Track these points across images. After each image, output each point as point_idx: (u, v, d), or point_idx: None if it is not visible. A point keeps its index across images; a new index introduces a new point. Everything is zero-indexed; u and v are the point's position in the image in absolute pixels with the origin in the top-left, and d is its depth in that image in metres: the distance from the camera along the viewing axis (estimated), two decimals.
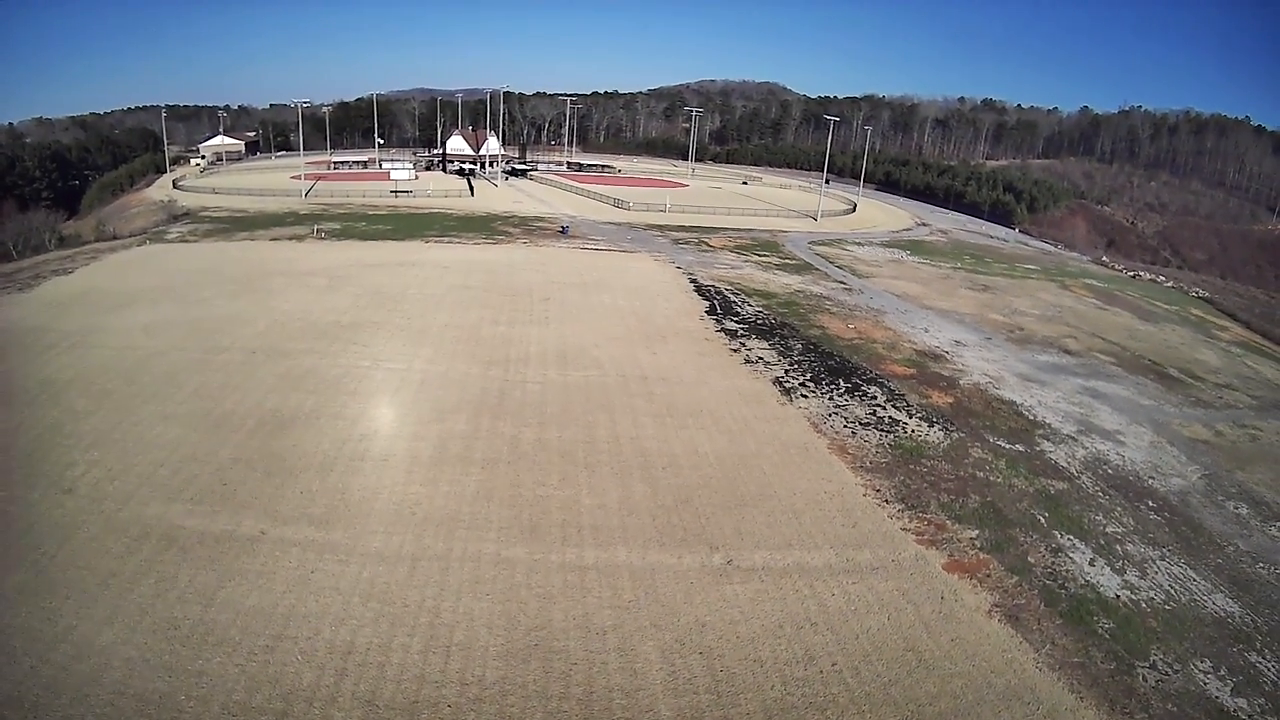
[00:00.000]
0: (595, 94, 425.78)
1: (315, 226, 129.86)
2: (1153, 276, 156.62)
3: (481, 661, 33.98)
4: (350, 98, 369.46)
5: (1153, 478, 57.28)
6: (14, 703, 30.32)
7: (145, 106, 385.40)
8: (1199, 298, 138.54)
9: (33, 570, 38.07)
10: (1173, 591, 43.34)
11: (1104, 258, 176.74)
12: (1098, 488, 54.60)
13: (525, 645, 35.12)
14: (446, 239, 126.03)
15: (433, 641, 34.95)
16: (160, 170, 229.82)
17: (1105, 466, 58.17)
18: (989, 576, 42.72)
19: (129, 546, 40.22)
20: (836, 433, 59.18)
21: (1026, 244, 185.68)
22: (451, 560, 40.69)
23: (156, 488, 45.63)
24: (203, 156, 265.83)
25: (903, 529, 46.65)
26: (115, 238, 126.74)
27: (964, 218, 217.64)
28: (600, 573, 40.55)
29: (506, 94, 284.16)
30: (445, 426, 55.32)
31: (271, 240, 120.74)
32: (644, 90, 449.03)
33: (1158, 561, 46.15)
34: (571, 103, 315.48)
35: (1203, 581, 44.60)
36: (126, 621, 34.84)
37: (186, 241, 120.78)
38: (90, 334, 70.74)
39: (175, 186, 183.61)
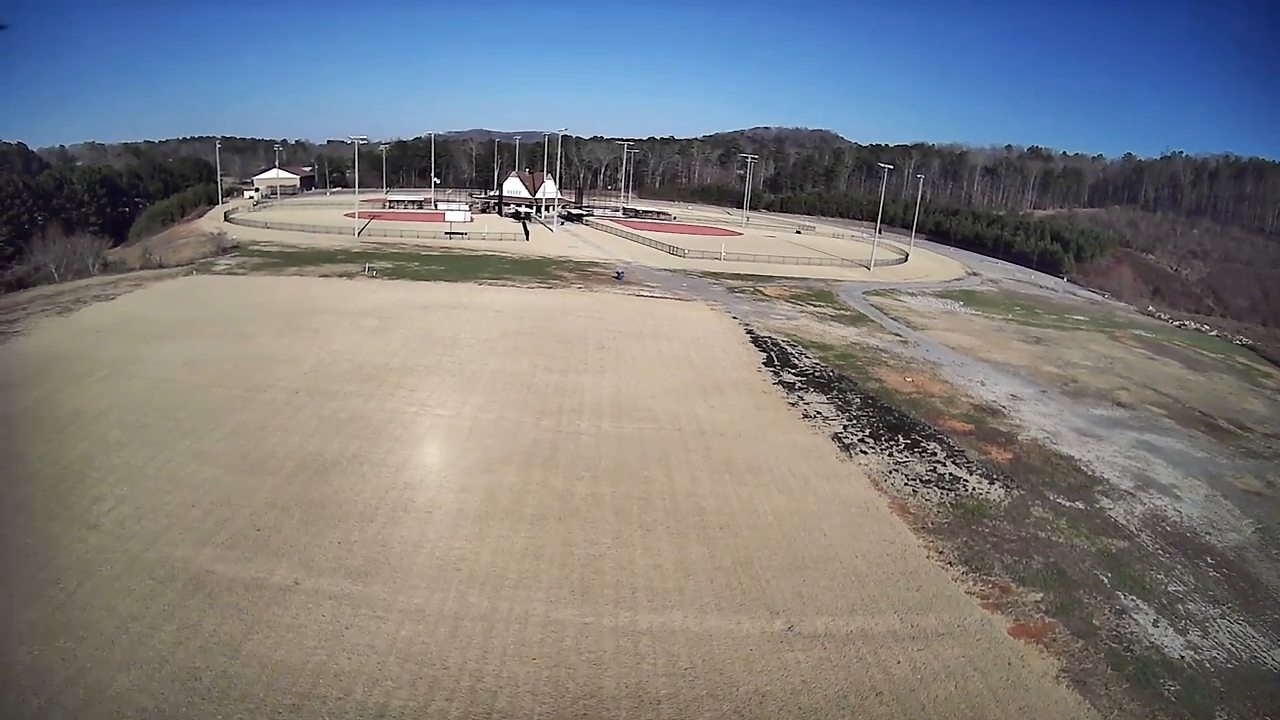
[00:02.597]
0: (651, 139, 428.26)
1: (367, 265, 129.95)
2: (1198, 325, 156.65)
3: None
4: (408, 137, 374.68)
5: (1209, 533, 56.17)
6: None
7: (201, 137, 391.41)
8: (1243, 345, 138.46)
9: (49, 607, 36.45)
10: (1234, 650, 42.39)
11: (1150, 307, 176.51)
12: (1157, 545, 53.35)
13: (573, 714, 32.97)
14: (500, 282, 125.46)
15: (473, 708, 32.71)
16: (212, 201, 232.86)
17: (1163, 523, 56.95)
18: (1055, 640, 41.32)
19: (153, 589, 38.44)
20: (898, 491, 57.33)
21: (1075, 294, 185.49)
22: (496, 621, 38.50)
23: (186, 529, 43.91)
24: (256, 189, 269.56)
25: (967, 592, 45.08)
26: (161, 266, 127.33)
27: (1013, 267, 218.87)
28: (655, 638, 38.33)
29: (564, 137, 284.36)
30: (494, 478, 53.40)
31: (321, 277, 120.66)
32: (699, 136, 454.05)
33: (1218, 620, 45.24)
34: (628, 148, 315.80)
35: (1262, 639, 43.67)
36: (144, 669, 32.98)
37: (234, 274, 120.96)
38: (128, 364, 69.98)
39: (227, 219, 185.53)
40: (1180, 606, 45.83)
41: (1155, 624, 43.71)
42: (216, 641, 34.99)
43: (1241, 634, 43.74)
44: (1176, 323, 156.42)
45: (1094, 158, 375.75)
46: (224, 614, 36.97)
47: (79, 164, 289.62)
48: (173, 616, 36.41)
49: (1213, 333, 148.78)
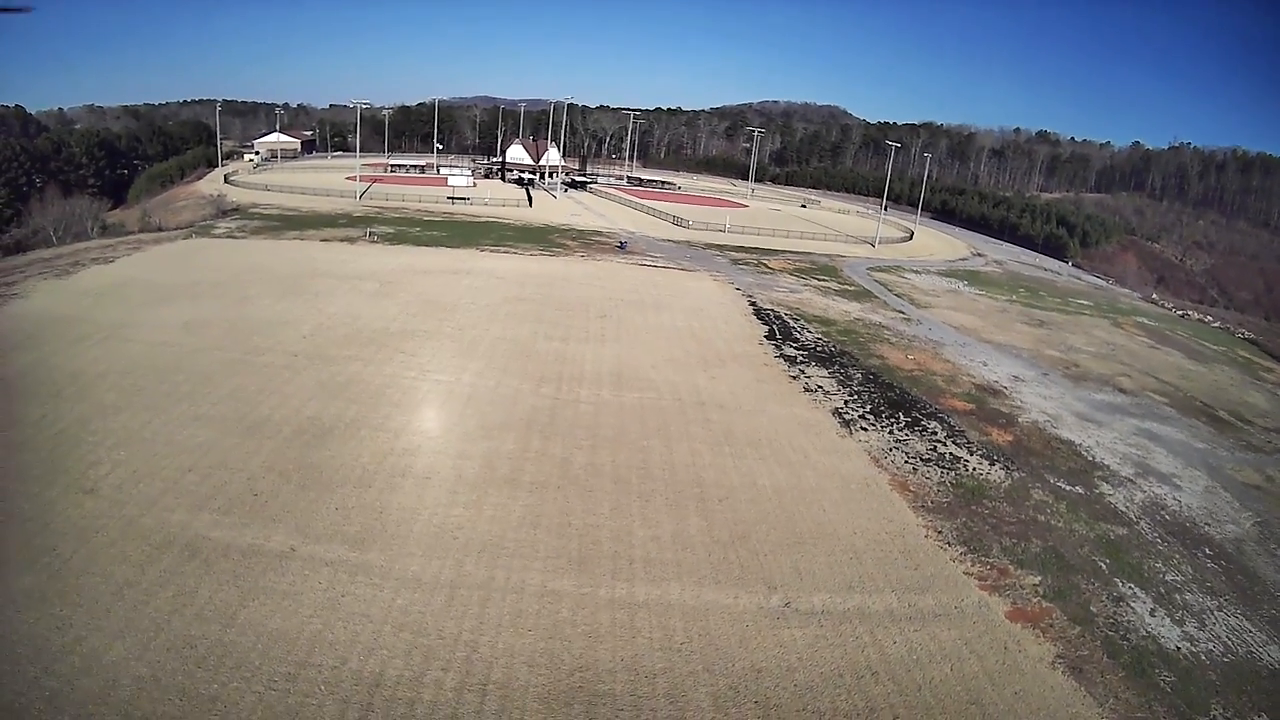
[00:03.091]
0: (658, 110, 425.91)
1: (368, 229, 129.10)
2: (1200, 316, 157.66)
3: (520, 703, 31.63)
4: (412, 102, 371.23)
5: (1208, 524, 56.28)
6: (12, 715, 28.46)
7: (201, 100, 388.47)
8: (1245, 339, 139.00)
9: (45, 573, 36.10)
10: (1230, 643, 42.46)
11: (1154, 295, 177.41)
12: (1156, 534, 53.40)
13: (568, 687, 32.77)
14: (502, 249, 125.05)
15: (468, 678, 32.54)
16: (212, 164, 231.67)
17: (1163, 511, 57.03)
18: (1052, 626, 41.37)
19: (149, 555, 38.12)
20: (898, 469, 57.19)
21: (1080, 278, 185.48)
22: (493, 590, 38.29)
23: (183, 494, 43.57)
24: (257, 152, 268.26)
25: (965, 573, 44.94)
26: (160, 229, 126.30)
27: (1018, 249, 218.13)
28: (651, 611, 38.22)
29: (569, 106, 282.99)
30: (492, 445, 53.07)
31: (322, 241, 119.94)
32: (707, 108, 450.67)
33: (1215, 612, 45.31)
34: (634, 117, 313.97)
35: (1258, 633, 43.78)
36: (140, 636, 32.72)
37: (234, 237, 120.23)
38: (126, 327, 69.33)
39: (227, 181, 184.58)
40: (1177, 597, 45.91)
41: (1152, 613, 43.76)
42: (212, 609, 34.79)
43: (1238, 628, 43.85)
44: (1180, 312, 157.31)
45: (1101, 144, 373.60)
46: (220, 580, 36.74)
47: (77, 126, 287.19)
48: (169, 583, 36.16)
49: (1215, 324, 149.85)
